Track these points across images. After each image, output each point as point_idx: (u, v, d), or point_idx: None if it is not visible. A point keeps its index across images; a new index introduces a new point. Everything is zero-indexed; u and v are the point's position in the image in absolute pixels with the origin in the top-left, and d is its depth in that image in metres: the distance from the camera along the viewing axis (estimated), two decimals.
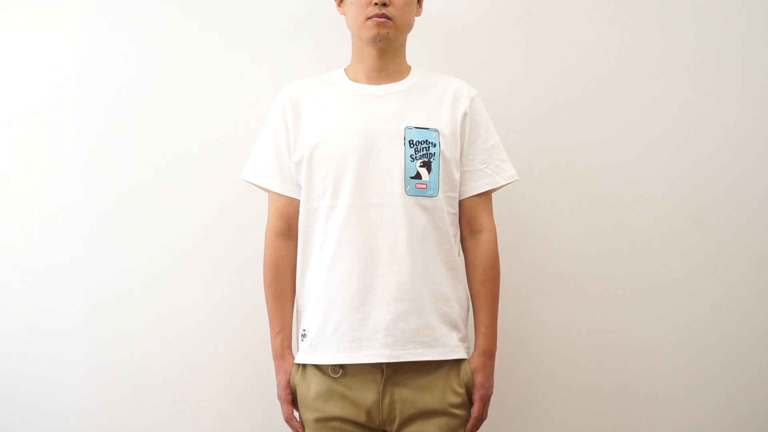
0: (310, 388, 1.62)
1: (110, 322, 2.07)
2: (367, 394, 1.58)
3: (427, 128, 1.62)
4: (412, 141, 1.61)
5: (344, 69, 1.72)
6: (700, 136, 2.12)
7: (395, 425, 1.59)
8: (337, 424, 1.58)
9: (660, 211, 2.11)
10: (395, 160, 1.60)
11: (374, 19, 1.60)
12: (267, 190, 1.69)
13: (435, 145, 1.61)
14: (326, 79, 1.71)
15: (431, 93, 1.67)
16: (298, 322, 1.69)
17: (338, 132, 1.62)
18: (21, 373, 2.07)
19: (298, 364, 1.65)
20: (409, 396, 1.59)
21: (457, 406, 1.61)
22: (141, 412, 2.06)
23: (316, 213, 1.62)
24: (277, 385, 1.67)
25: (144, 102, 2.07)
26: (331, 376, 1.59)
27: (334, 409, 1.59)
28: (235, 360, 2.07)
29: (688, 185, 2.11)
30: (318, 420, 1.60)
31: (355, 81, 1.69)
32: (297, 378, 1.65)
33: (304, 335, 1.63)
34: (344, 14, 1.68)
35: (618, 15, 2.11)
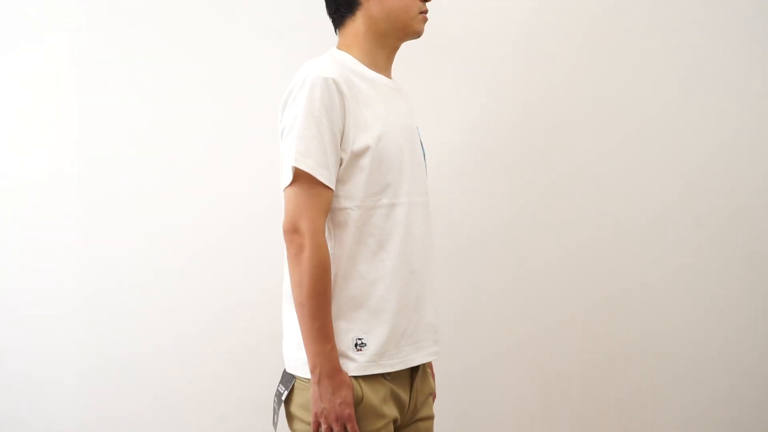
0: (378, 394, 1.50)
1: (108, 324, 2.07)
2: (404, 392, 1.55)
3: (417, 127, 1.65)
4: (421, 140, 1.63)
5: (351, 55, 1.57)
6: (697, 133, 2.12)
7: (407, 418, 1.58)
8: (391, 427, 1.53)
9: (655, 208, 2.12)
10: (422, 159, 1.61)
11: (424, 15, 1.59)
12: (318, 184, 1.45)
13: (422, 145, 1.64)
14: (343, 65, 1.54)
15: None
16: (339, 331, 1.50)
17: (392, 125, 1.53)
18: (19, 374, 2.07)
19: (355, 376, 1.48)
20: (420, 389, 1.60)
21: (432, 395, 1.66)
22: (139, 413, 2.07)
23: (372, 210, 1.50)
24: (342, 403, 1.44)
25: (143, 102, 2.08)
26: (385, 379, 1.52)
27: (392, 411, 1.52)
28: (234, 362, 2.08)
29: (683, 182, 2.12)
30: (384, 426, 1.51)
31: (376, 71, 1.58)
32: (362, 388, 1.48)
33: (362, 344, 1.49)
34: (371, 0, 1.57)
35: (614, 12, 2.12)
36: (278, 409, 1.51)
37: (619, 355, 2.12)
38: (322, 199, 1.45)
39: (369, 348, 1.48)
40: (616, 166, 2.11)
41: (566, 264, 2.11)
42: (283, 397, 1.50)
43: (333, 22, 1.62)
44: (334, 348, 1.44)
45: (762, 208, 2.12)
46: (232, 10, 2.08)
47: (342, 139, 1.47)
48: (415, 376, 1.58)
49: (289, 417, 1.52)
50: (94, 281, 2.07)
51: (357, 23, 1.57)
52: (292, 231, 1.43)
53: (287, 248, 1.44)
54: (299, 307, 1.43)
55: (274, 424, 1.53)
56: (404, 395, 1.55)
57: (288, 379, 1.51)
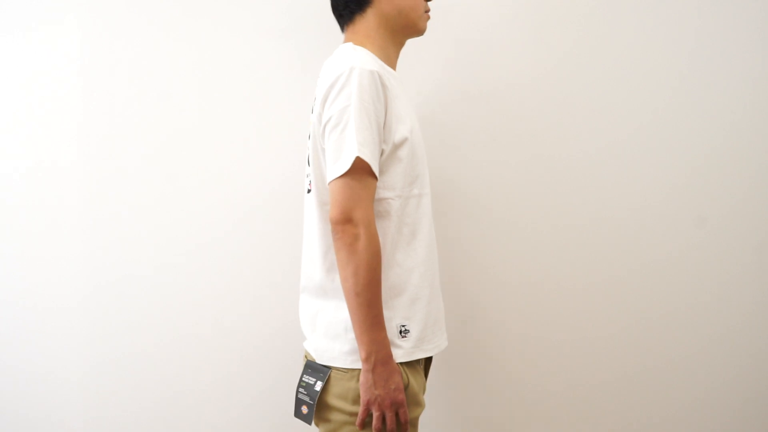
0: (418, 382, 1.56)
1: (112, 321, 2.07)
2: (424, 382, 1.63)
3: None
4: None
5: (369, 51, 1.60)
6: (699, 130, 2.12)
7: None
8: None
9: (656, 207, 2.12)
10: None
11: (428, 13, 1.66)
12: (370, 174, 1.47)
13: None
14: (374, 59, 1.57)
15: None
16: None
17: (413, 118, 1.61)
18: (23, 371, 2.07)
19: (401, 363, 1.53)
20: (426, 377, 1.67)
21: None
22: (144, 409, 2.07)
23: (407, 200, 1.55)
24: (396, 389, 1.47)
25: (143, 102, 2.08)
26: (419, 365, 1.58)
27: (424, 401, 1.58)
28: (240, 357, 2.08)
29: (685, 181, 2.12)
30: (418, 416, 1.57)
31: (389, 66, 1.63)
32: (407, 375, 1.53)
33: (406, 331, 1.53)
34: None
35: (615, 9, 2.11)
36: (315, 403, 1.51)
37: (620, 353, 2.12)
38: (372, 190, 1.47)
39: (412, 334, 1.52)
40: (617, 165, 2.11)
41: (567, 262, 2.11)
42: (318, 388, 1.51)
43: (341, 18, 1.65)
44: (386, 335, 1.47)
45: (765, 205, 2.12)
46: (235, 7, 2.08)
47: (384, 130, 1.50)
48: (429, 364, 1.64)
49: (324, 408, 1.52)
50: (99, 277, 2.07)
51: (368, 20, 1.61)
52: (345, 221, 1.43)
53: (340, 239, 1.44)
54: (354, 296, 1.44)
55: (304, 417, 1.53)
56: (425, 385, 1.61)
57: (320, 370, 1.52)
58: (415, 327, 1.53)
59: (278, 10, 2.07)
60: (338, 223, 1.44)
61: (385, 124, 1.50)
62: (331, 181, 1.46)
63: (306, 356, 1.60)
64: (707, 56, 2.11)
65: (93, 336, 2.08)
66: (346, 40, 1.64)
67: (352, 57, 1.50)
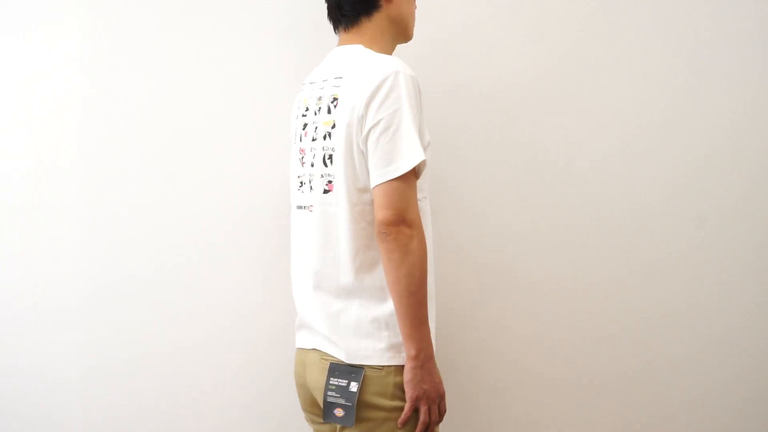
0: None
1: (112, 321, 2.07)
2: None
3: None
4: None
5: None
6: (699, 131, 2.12)
7: None
8: None
9: (656, 207, 2.12)
10: None
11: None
12: (415, 176, 1.51)
13: None
14: None
15: None
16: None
17: None
18: (23, 371, 2.07)
19: None
20: None
21: None
22: (143, 411, 2.07)
23: (424, 202, 1.60)
24: (440, 382, 1.53)
25: (143, 102, 2.07)
26: None
27: None
28: (237, 359, 2.08)
29: (683, 178, 2.12)
30: None
31: None
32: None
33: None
34: (392, 3, 1.63)
35: (616, 9, 2.12)
36: (354, 404, 1.50)
37: (620, 353, 2.12)
38: (416, 192, 1.52)
39: (432, 330, 1.56)
40: (617, 165, 2.11)
41: (567, 262, 2.11)
42: (355, 389, 1.51)
43: (343, 18, 1.64)
44: (430, 331, 1.52)
45: (764, 205, 2.12)
46: (235, 7, 2.08)
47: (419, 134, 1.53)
48: None
49: (360, 408, 1.51)
50: (99, 276, 2.07)
51: (375, 23, 1.63)
52: (399, 222, 1.46)
53: (394, 240, 1.46)
54: (408, 296, 1.47)
55: (341, 419, 1.51)
56: None
57: (350, 371, 1.52)
58: (433, 323, 1.57)
59: (279, 11, 2.07)
60: (391, 224, 1.46)
61: (419, 128, 1.53)
62: (381, 183, 1.47)
63: (323, 358, 1.58)
64: (707, 56, 2.11)
65: (93, 336, 2.07)
66: (346, 42, 1.64)
67: (391, 60, 1.52)
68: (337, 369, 1.54)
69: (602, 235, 2.12)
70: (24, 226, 2.07)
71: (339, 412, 1.52)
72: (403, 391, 1.50)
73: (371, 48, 1.60)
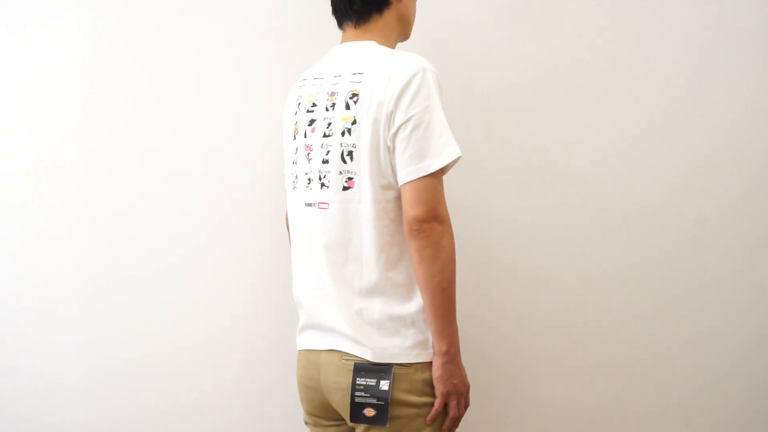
0: None
1: (112, 321, 2.07)
2: None
3: None
4: None
5: None
6: (698, 131, 2.12)
7: None
8: None
9: (655, 208, 2.12)
10: None
11: None
12: (443, 172, 1.52)
13: None
14: None
15: None
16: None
17: None
18: (23, 372, 2.07)
19: None
20: None
21: None
22: (142, 411, 2.07)
23: None
24: (466, 375, 1.56)
25: (143, 102, 2.07)
26: None
27: None
28: (237, 360, 2.08)
29: (683, 178, 2.12)
30: None
31: None
32: None
33: None
34: (402, 2, 1.64)
35: (615, 10, 2.12)
36: (387, 402, 1.48)
37: (619, 353, 2.12)
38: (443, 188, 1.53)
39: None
40: (617, 165, 2.11)
41: (566, 261, 2.11)
42: (386, 387, 1.50)
43: (353, 14, 1.61)
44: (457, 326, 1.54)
45: (764, 205, 2.12)
46: (235, 7, 2.08)
47: None
48: None
49: (393, 405, 1.50)
50: (99, 276, 2.07)
51: (385, 20, 1.63)
52: (432, 219, 1.46)
53: (427, 236, 1.46)
54: (441, 291, 1.48)
55: (373, 419, 1.49)
56: None
57: (378, 369, 1.50)
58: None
59: (279, 10, 2.07)
60: (425, 221, 1.46)
61: None
62: (412, 180, 1.47)
63: (344, 358, 1.54)
64: (707, 56, 2.11)
65: (93, 336, 2.07)
66: (354, 38, 1.62)
67: (417, 57, 1.52)
68: (363, 369, 1.51)
69: (602, 235, 2.12)
70: (24, 226, 2.07)
71: (369, 412, 1.50)
72: (430, 386, 1.51)
73: (382, 44, 1.59)
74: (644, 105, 2.11)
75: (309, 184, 1.59)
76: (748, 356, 2.14)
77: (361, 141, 1.50)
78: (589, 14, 2.11)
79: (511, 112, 2.08)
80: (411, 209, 1.46)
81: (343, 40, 1.64)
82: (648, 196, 2.12)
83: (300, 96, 1.64)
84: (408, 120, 1.47)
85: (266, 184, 2.05)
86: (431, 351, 1.52)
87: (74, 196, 2.07)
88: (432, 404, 1.51)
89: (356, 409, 1.50)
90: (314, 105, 1.59)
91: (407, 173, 1.47)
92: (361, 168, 1.51)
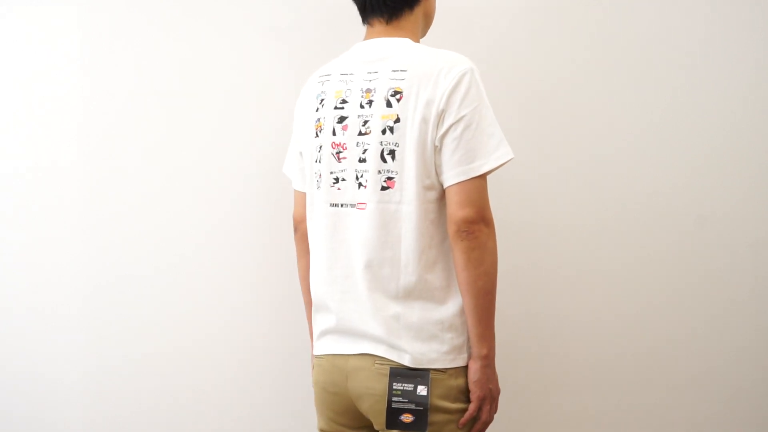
0: None
1: (112, 321, 2.07)
2: None
3: None
4: None
5: None
6: (700, 130, 2.12)
7: None
8: None
9: (657, 206, 2.12)
10: None
11: None
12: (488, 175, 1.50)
13: None
14: None
15: None
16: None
17: None
18: (22, 372, 2.07)
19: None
20: None
21: None
22: (142, 411, 2.07)
23: None
24: (497, 379, 1.54)
25: (143, 101, 2.08)
26: None
27: None
28: (237, 360, 2.08)
29: (683, 178, 2.12)
30: None
31: None
32: None
33: None
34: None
35: (616, 10, 2.12)
36: (427, 408, 1.45)
37: (618, 352, 2.12)
38: None
39: None
40: (617, 165, 2.11)
41: (566, 261, 2.11)
42: (425, 393, 1.46)
43: (385, 8, 1.55)
44: None
45: (765, 205, 2.12)
46: (236, 7, 2.08)
47: None
48: None
49: (429, 411, 1.47)
50: (99, 276, 2.07)
51: (414, 17, 1.58)
52: (479, 221, 1.44)
53: (476, 238, 1.44)
54: (485, 294, 1.46)
55: (411, 425, 1.46)
56: None
57: (414, 375, 1.46)
58: None
59: (279, 10, 2.07)
60: (474, 222, 1.43)
61: None
62: (462, 181, 1.44)
63: (379, 362, 1.48)
64: (707, 56, 2.11)
65: (93, 336, 2.07)
66: (384, 34, 1.56)
67: (461, 56, 1.50)
68: (399, 373, 1.46)
69: (602, 235, 2.12)
70: (24, 226, 2.07)
71: (407, 418, 1.46)
72: (462, 392, 1.48)
73: (414, 41, 1.55)
74: (644, 105, 2.11)
75: (336, 183, 1.52)
76: (750, 355, 2.14)
77: (405, 140, 1.46)
78: (589, 14, 2.11)
79: (510, 112, 2.08)
80: (460, 210, 1.43)
81: (370, 36, 1.57)
82: (648, 196, 2.11)
83: (323, 92, 1.56)
84: (459, 120, 1.44)
85: (266, 183, 2.05)
86: (465, 356, 1.49)
87: (74, 196, 2.07)
88: (462, 410, 1.48)
89: (393, 415, 1.46)
90: (344, 102, 1.52)
91: (456, 174, 1.44)
92: (404, 167, 1.46)
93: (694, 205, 2.12)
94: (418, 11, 1.58)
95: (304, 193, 1.62)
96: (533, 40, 2.10)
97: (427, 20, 1.65)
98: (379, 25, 1.56)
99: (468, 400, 1.49)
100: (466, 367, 1.49)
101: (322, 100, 1.55)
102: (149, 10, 2.07)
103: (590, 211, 2.11)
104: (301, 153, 1.61)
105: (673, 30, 2.11)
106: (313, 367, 1.60)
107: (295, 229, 1.71)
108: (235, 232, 2.07)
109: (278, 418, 2.03)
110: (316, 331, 1.59)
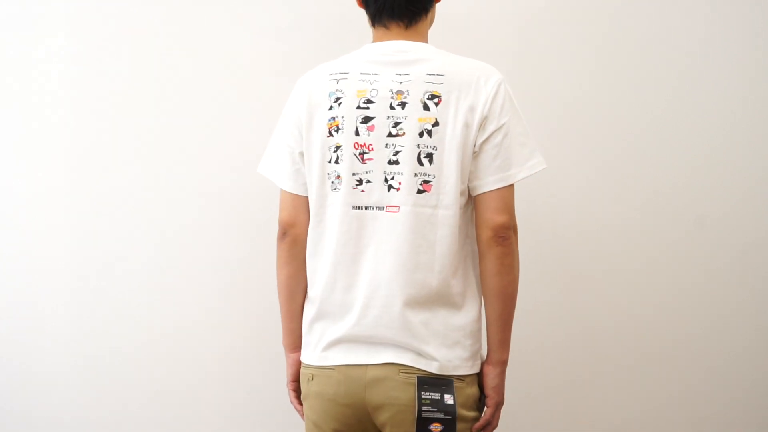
0: None
1: (101, 318, 2.08)
2: None
3: None
4: None
5: None
6: (698, 131, 2.12)
7: None
8: None
9: (656, 207, 2.12)
10: None
11: None
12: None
13: None
14: None
15: None
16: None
17: None
18: (14, 368, 2.08)
19: None
20: None
21: None
22: (132, 407, 2.08)
23: None
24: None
25: (139, 101, 2.08)
26: None
27: None
28: (228, 357, 2.09)
29: (683, 178, 2.12)
30: None
31: None
32: None
33: None
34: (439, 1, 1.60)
35: (616, 11, 2.12)
36: (455, 417, 1.41)
37: (617, 352, 2.12)
38: None
39: None
40: (617, 165, 2.11)
41: (566, 261, 2.11)
42: (452, 401, 1.43)
43: (407, 12, 1.51)
44: None
45: (765, 205, 2.12)
46: (234, 6, 2.08)
47: None
48: None
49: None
50: (85, 277, 2.08)
51: (428, 21, 1.58)
52: (511, 227, 1.47)
53: (510, 244, 1.46)
54: (511, 300, 1.50)
55: None
56: None
57: (439, 383, 1.43)
58: None
59: (278, 10, 2.07)
60: (509, 228, 1.45)
61: None
62: (500, 188, 1.45)
63: (404, 371, 1.43)
64: (707, 57, 2.11)
65: (82, 332, 2.08)
66: (402, 37, 1.52)
67: (490, 65, 1.51)
68: (426, 382, 1.43)
69: (602, 235, 2.12)
70: (17, 224, 2.07)
71: (436, 427, 1.42)
72: (476, 400, 1.48)
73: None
74: (644, 105, 2.11)
75: (359, 185, 1.46)
76: (749, 354, 2.14)
77: (444, 144, 1.44)
78: (589, 14, 2.11)
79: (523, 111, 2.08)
80: (498, 216, 1.44)
81: (386, 39, 1.52)
82: (648, 196, 2.12)
83: (338, 90, 1.49)
84: (500, 128, 1.45)
85: (264, 183, 2.04)
86: (479, 362, 1.49)
87: (62, 192, 2.08)
88: (475, 418, 1.47)
89: (423, 425, 1.41)
90: (369, 101, 1.46)
91: (495, 180, 1.45)
92: (443, 171, 1.44)
93: (694, 205, 2.12)
94: (431, 15, 1.58)
95: (296, 196, 1.55)
96: (531, 41, 2.10)
97: (431, 24, 1.62)
98: (396, 29, 1.52)
99: (477, 408, 1.49)
100: (477, 375, 1.49)
101: (338, 98, 1.48)
102: (149, 10, 2.07)
103: (590, 211, 2.11)
104: (301, 153, 1.52)
105: (673, 30, 2.11)
106: (310, 379, 1.51)
107: (284, 234, 1.58)
108: (232, 230, 2.07)
109: (278, 418, 2.03)
110: (315, 342, 1.51)
